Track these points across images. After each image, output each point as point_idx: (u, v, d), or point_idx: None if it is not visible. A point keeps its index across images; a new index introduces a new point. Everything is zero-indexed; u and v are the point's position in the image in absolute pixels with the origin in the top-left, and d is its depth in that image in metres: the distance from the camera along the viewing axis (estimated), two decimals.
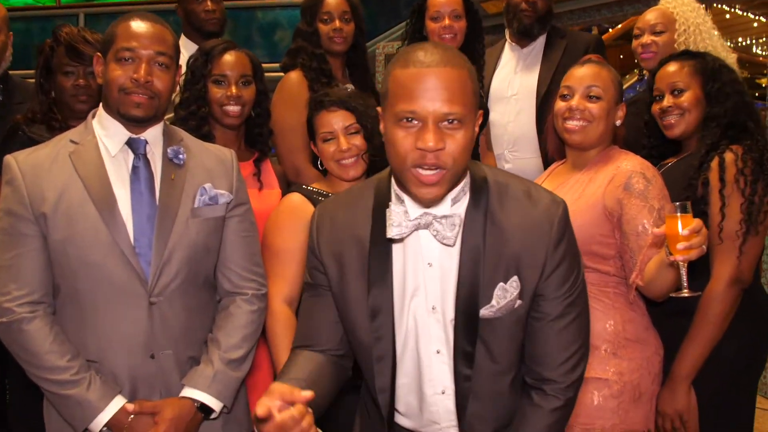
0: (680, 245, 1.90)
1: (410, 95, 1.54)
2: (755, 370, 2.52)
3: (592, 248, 2.25)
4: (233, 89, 2.59)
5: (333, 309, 1.81)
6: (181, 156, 2.06)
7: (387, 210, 1.67)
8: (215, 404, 2.03)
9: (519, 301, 1.68)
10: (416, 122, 1.55)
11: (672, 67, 2.55)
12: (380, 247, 1.71)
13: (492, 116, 3.48)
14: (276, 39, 7.01)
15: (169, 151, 2.05)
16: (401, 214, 1.65)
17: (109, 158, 2.00)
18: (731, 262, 2.31)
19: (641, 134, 2.72)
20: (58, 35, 2.63)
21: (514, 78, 3.50)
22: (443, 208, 1.67)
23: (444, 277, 1.69)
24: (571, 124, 2.35)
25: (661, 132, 2.60)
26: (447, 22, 3.20)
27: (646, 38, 3.11)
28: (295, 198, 2.42)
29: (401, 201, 1.69)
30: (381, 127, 1.67)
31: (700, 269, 2.19)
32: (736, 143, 2.37)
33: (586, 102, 2.33)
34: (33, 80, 3.03)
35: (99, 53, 2.05)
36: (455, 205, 1.68)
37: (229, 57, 2.62)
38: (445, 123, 1.54)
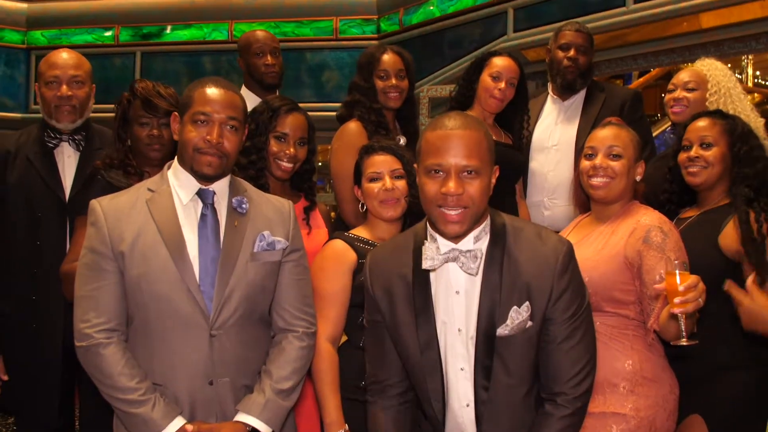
0: (677, 299, 2.05)
1: (437, 152, 1.94)
2: (764, 413, 2.59)
3: (613, 294, 2.43)
4: (291, 149, 2.79)
5: (390, 343, 2.16)
6: (244, 206, 2.26)
7: (423, 247, 2.04)
8: (265, 429, 2.19)
9: (530, 323, 2.00)
10: (441, 173, 1.93)
11: (704, 122, 2.75)
12: (421, 279, 2.08)
13: (533, 165, 3.66)
14: (323, 80, 7.12)
15: (233, 200, 2.26)
16: (434, 249, 2.02)
17: (180, 206, 2.22)
18: None
19: (664, 180, 2.90)
20: (134, 89, 2.84)
21: (554, 129, 3.68)
22: (467, 244, 2.02)
23: (468, 303, 2.04)
24: (596, 180, 2.53)
25: (682, 180, 2.79)
26: (503, 85, 3.39)
27: (679, 93, 3.32)
28: (338, 244, 2.60)
29: (434, 239, 2.05)
30: (417, 179, 2.05)
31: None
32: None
33: (608, 160, 2.52)
34: (97, 116, 3.28)
35: (176, 113, 2.27)
36: (477, 243, 2.03)
37: (292, 119, 2.82)
38: (465, 173, 1.92)
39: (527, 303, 1.99)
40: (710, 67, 3.36)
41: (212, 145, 2.17)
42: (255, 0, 7.44)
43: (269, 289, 2.29)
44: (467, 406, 2.07)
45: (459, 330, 2.05)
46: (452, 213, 1.93)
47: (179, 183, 2.24)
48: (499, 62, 3.44)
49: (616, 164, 2.51)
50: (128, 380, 2.11)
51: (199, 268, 2.16)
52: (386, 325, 2.15)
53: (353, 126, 3.32)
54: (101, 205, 2.20)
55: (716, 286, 2.17)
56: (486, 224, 2.05)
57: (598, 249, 2.46)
